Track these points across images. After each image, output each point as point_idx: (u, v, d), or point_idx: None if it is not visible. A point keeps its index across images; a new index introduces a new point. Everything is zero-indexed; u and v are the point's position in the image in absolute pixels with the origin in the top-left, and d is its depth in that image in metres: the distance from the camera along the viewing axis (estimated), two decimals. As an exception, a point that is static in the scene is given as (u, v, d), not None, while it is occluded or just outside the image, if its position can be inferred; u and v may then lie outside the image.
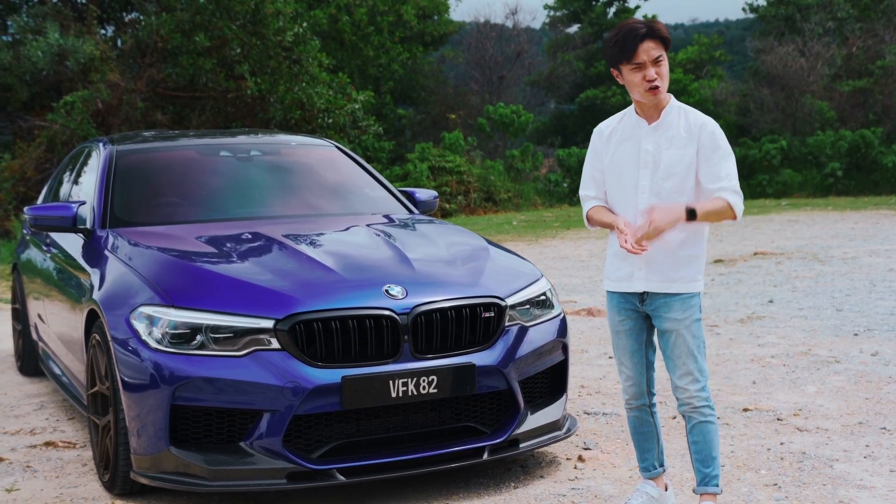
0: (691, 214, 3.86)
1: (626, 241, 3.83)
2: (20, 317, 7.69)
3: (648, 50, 3.86)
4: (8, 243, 16.54)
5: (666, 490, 4.25)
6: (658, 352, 4.16)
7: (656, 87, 3.90)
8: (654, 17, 40.35)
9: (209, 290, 4.53)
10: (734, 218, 3.94)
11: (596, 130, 4.18)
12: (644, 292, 4.01)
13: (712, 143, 3.91)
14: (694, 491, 4.06)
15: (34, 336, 7.27)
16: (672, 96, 4.03)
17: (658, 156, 3.97)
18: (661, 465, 4.24)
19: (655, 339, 4.18)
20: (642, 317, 4.09)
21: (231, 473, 4.25)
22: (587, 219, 4.18)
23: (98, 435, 4.89)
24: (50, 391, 7.12)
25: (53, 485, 4.92)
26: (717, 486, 4.01)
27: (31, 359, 7.51)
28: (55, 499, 4.70)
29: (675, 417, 5.73)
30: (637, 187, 4.00)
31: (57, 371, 6.45)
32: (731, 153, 3.95)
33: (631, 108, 4.09)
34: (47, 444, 5.65)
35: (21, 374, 7.77)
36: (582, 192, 4.21)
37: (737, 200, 3.89)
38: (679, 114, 3.99)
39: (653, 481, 4.23)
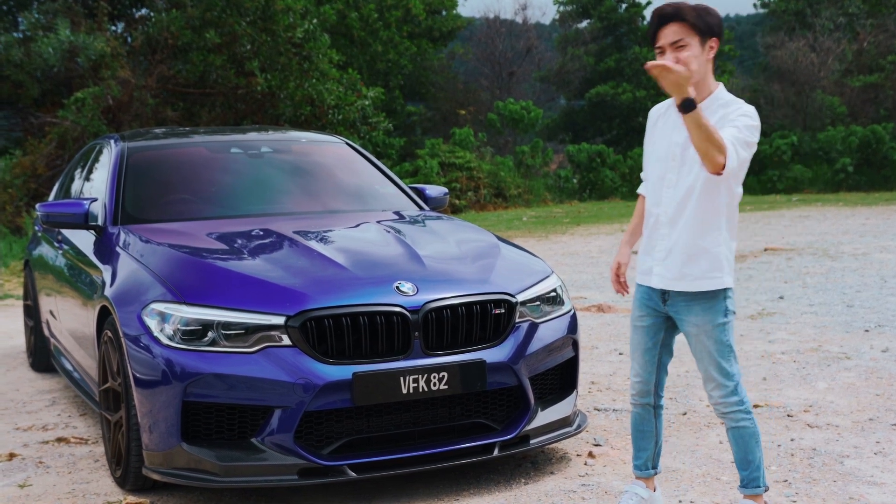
0: (688, 103, 3.54)
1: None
2: (32, 313, 7.72)
3: (668, 34, 3.71)
4: (19, 240, 16.59)
5: (654, 491, 4.20)
6: (673, 356, 4.14)
7: None
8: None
9: (220, 286, 4.54)
10: (720, 163, 3.59)
11: (650, 112, 4.05)
12: (666, 292, 3.92)
13: (735, 115, 3.70)
14: (739, 490, 4.03)
15: (46, 332, 7.30)
16: (721, 88, 3.82)
17: (686, 150, 3.82)
18: (655, 467, 4.19)
19: (674, 344, 4.11)
20: (663, 317, 4.00)
21: (242, 469, 4.26)
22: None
23: (110, 431, 4.91)
24: (62, 387, 7.15)
25: (66, 480, 4.95)
26: (757, 486, 3.93)
27: (42, 355, 7.55)
28: (67, 494, 4.72)
29: (685, 414, 5.74)
30: (663, 180, 3.90)
31: (69, 367, 6.48)
32: (748, 125, 3.67)
33: None
34: (59, 440, 5.68)
35: (33, 371, 7.80)
36: (642, 174, 4.14)
37: (730, 150, 3.59)
38: (718, 107, 3.78)
39: (643, 481, 4.19)
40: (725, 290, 3.85)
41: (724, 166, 3.61)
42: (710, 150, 3.58)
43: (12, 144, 21.05)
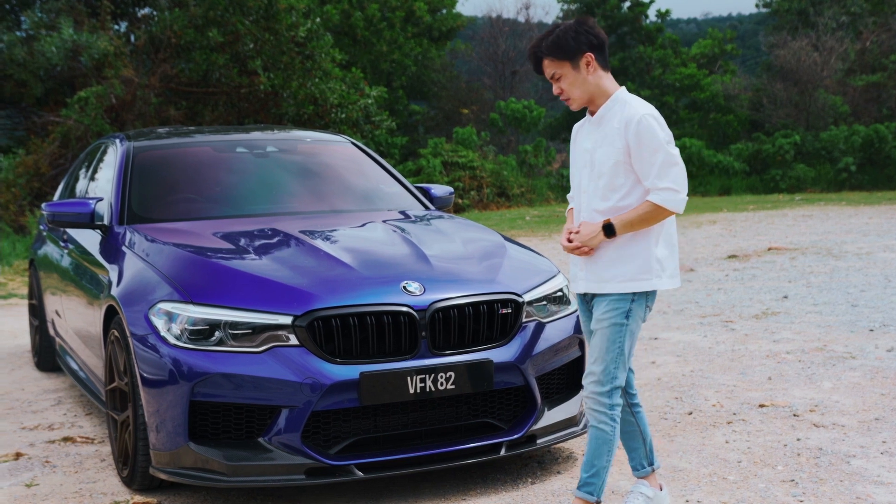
0: (609, 230, 3.84)
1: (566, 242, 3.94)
2: (37, 312, 7.73)
3: (546, 69, 3.94)
4: (24, 239, 16.60)
5: (661, 490, 4.19)
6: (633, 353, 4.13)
7: (567, 99, 3.95)
8: (667, 11, 40.25)
9: (227, 286, 4.55)
10: (672, 214, 3.84)
11: (573, 130, 4.20)
12: (588, 293, 4.00)
13: (637, 139, 3.80)
14: (575, 490, 4.01)
15: (51, 332, 7.30)
16: (621, 89, 3.92)
17: (594, 154, 3.94)
18: (651, 464, 4.18)
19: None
20: None
21: (250, 469, 4.27)
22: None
23: (117, 430, 4.92)
24: (67, 387, 7.16)
25: (72, 480, 4.95)
26: (590, 493, 3.93)
27: (48, 354, 7.56)
28: (74, 494, 4.73)
29: (691, 413, 5.74)
30: (580, 186, 4.01)
31: (74, 366, 6.48)
32: (661, 145, 3.78)
33: None
34: (66, 439, 5.68)
35: (38, 370, 7.81)
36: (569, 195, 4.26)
37: (666, 197, 3.77)
38: (619, 108, 3.89)
39: (645, 480, 4.18)
40: (635, 294, 3.89)
41: (679, 208, 3.81)
42: (657, 220, 3.83)
43: (15, 143, 21.07)
